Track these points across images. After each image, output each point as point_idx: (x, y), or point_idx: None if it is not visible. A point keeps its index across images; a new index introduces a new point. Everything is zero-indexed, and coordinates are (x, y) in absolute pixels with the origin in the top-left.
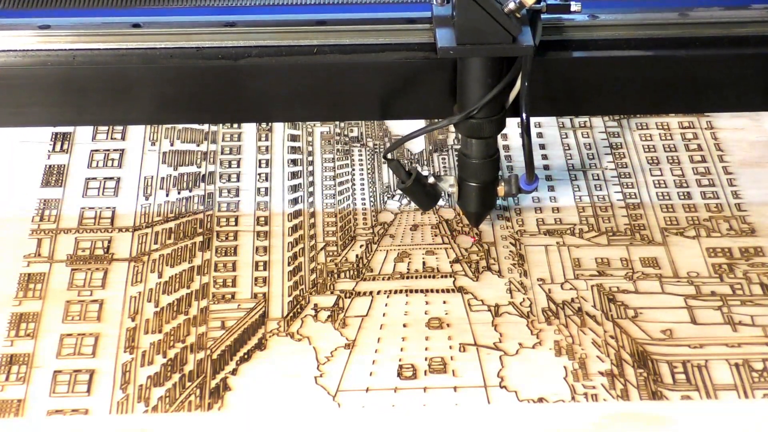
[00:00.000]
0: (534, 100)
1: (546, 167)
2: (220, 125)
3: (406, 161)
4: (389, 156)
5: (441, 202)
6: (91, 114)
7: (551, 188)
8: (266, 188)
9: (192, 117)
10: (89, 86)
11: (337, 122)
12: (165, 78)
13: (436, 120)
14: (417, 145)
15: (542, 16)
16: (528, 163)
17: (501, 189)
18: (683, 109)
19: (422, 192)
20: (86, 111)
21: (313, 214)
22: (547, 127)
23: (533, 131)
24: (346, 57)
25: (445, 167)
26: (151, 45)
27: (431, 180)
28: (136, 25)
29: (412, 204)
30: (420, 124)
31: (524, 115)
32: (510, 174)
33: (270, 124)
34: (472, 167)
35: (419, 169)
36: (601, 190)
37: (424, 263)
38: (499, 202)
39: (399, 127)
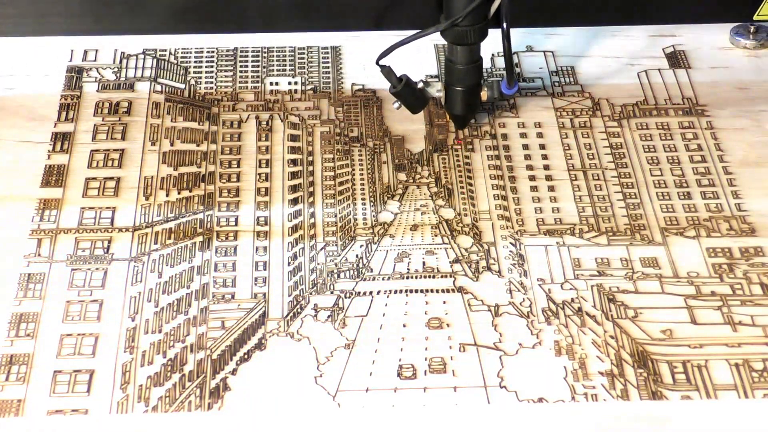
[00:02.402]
0: (514, 10)
1: (546, 167)
2: (220, 125)
3: (406, 160)
4: (381, 62)
5: (441, 201)
6: (107, 23)
7: (551, 188)
8: (266, 188)
9: (201, 26)
10: None
11: (337, 122)
12: None
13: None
14: (417, 145)
15: None
16: (508, 69)
17: (484, 93)
18: (652, 20)
19: (412, 95)
20: (103, 21)
21: (313, 214)
22: (547, 127)
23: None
24: None
25: (445, 167)
26: None
27: (420, 85)
28: None
29: (412, 204)
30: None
31: (505, 25)
32: (492, 79)
33: (270, 123)
34: (457, 72)
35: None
36: (601, 190)
37: (423, 263)
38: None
39: (398, 127)
